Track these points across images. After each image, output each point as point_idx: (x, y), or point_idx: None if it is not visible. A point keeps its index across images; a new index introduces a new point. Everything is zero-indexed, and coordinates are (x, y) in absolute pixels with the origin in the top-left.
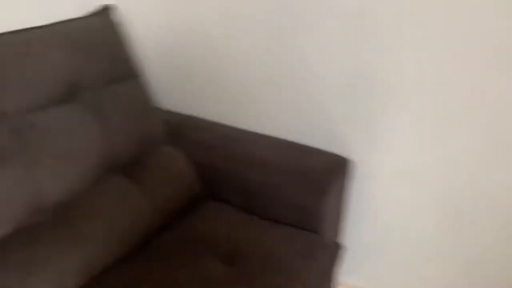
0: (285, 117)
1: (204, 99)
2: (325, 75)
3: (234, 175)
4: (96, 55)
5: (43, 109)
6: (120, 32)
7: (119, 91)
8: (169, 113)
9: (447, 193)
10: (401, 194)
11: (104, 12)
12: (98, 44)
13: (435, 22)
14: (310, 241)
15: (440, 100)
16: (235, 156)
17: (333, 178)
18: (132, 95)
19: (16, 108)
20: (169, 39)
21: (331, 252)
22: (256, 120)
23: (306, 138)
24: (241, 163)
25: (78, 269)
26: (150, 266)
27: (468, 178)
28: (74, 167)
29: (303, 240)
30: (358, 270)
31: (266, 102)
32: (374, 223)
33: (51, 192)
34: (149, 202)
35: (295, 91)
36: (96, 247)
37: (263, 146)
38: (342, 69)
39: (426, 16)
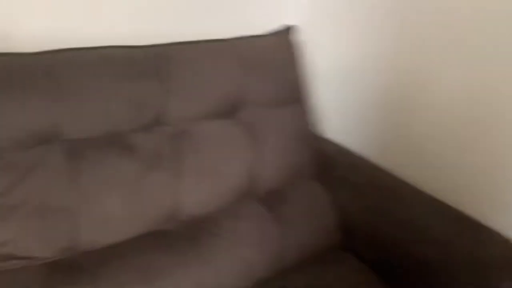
0: (461, 180)
1: (373, 137)
2: None
3: (382, 235)
4: (266, 75)
5: (203, 121)
6: (296, 55)
7: (281, 115)
8: (328, 142)
9: None
10: None
11: (285, 32)
12: (270, 64)
13: None
14: None
15: None
16: (390, 214)
17: (510, 276)
18: (292, 121)
19: (179, 115)
20: (348, 67)
21: None
22: (422, 175)
23: (483, 211)
24: (394, 225)
25: None
26: None
27: None
28: (216, 184)
29: None
30: None
31: (444, 159)
32: None
33: (188, 204)
34: (283, 239)
35: (485, 154)
36: (215, 271)
37: (427, 211)
38: None
39: None
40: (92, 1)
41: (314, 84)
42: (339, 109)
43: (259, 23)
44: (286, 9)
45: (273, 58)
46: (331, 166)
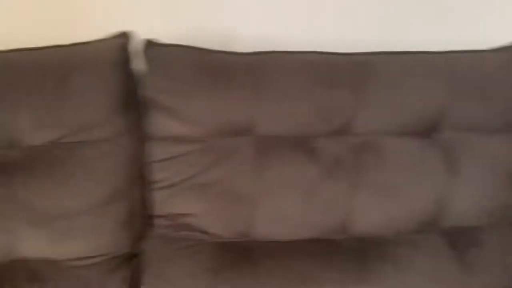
0: None
1: None
2: None
3: None
4: (481, 97)
5: (393, 136)
6: None
7: (491, 144)
8: None
9: None
10: None
11: None
12: (489, 84)
13: None
14: None
15: None
16: None
17: None
18: (504, 153)
19: (368, 127)
20: None
21: None
22: None
23: None
24: None
25: None
26: None
27: None
28: (395, 205)
29: None
30: None
31: None
32: None
33: (361, 219)
34: (463, 284)
35: None
36: None
37: None
38: None
39: None
40: (301, 10)
41: None
42: None
43: (485, 37)
44: None
45: (493, 78)
46: None
